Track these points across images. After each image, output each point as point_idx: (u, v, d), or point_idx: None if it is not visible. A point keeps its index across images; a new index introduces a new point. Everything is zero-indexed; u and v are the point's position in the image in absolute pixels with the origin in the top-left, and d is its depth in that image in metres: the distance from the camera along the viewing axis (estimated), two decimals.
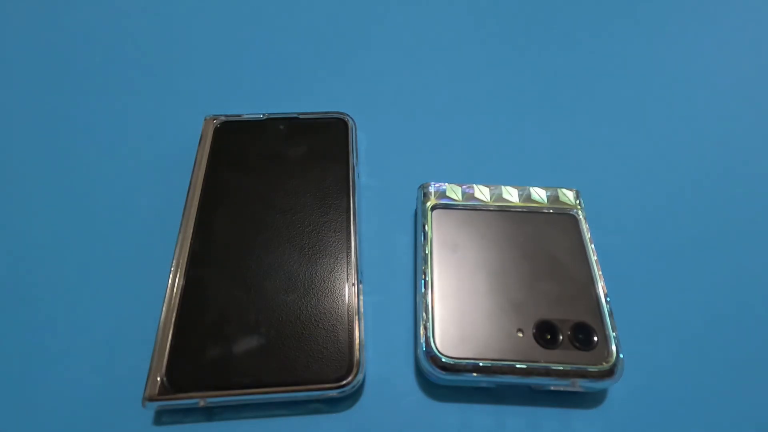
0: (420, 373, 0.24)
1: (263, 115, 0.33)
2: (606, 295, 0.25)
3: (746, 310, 0.27)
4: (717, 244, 0.30)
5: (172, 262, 0.26)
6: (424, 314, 0.24)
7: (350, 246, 0.27)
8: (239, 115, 0.33)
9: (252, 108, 0.36)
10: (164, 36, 0.41)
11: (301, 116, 0.33)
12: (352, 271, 0.26)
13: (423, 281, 0.25)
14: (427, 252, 0.26)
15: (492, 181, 0.32)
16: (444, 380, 0.23)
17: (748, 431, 0.23)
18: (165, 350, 0.23)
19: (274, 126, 0.32)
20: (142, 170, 0.32)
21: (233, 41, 0.41)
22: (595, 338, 0.23)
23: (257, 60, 0.40)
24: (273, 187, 0.29)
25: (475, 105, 0.37)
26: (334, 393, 0.22)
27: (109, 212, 0.30)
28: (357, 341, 0.23)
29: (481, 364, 0.22)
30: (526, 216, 0.28)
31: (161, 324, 0.24)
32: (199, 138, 0.31)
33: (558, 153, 0.34)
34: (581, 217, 0.28)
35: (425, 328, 0.24)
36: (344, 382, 0.22)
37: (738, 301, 0.27)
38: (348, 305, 0.25)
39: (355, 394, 0.24)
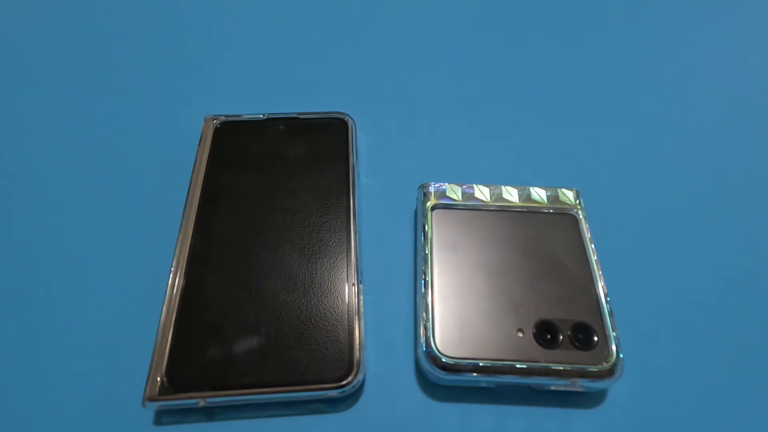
0: (420, 373, 0.24)
1: (263, 115, 0.33)
2: (606, 295, 0.25)
3: (746, 309, 0.27)
4: (717, 244, 0.30)
5: (172, 262, 0.26)
6: (424, 314, 0.24)
7: (350, 246, 0.27)
8: (239, 115, 0.33)
9: (252, 108, 0.36)
10: (164, 36, 0.41)
11: (301, 116, 0.33)
12: (352, 271, 0.26)
13: (423, 281, 0.25)
14: (427, 252, 0.26)
15: (492, 181, 0.32)
16: (444, 380, 0.23)
17: (748, 430, 0.23)
18: (165, 350, 0.23)
19: (274, 126, 0.32)
20: (142, 170, 0.32)
21: (233, 41, 0.41)
22: (595, 338, 0.23)
23: (257, 60, 0.40)
24: (273, 187, 0.29)
25: (475, 105, 0.37)
26: (334, 393, 0.22)
27: (109, 212, 0.30)
28: (357, 341, 0.23)
29: (481, 364, 0.22)
30: (526, 216, 0.28)
31: (161, 324, 0.24)
32: (199, 138, 0.32)
33: (558, 153, 0.34)
34: (581, 217, 0.28)
35: (425, 328, 0.24)
36: (344, 382, 0.22)
37: (738, 300, 0.27)
38: (348, 305, 0.25)
39: (355, 394, 0.24)
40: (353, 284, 0.25)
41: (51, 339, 0.25)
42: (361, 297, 0.25)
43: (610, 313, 0.24)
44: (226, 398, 0.22)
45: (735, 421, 0.24)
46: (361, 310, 0.25)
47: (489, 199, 0.28)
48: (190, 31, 0.42)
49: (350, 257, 0.26)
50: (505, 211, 0.28)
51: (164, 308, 0.24)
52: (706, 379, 0.25)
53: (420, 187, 0.29)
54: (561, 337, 0.23)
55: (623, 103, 0.37)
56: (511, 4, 0.45)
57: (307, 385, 0.22)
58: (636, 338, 0.26)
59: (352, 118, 0.33)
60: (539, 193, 0.29)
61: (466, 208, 0.28)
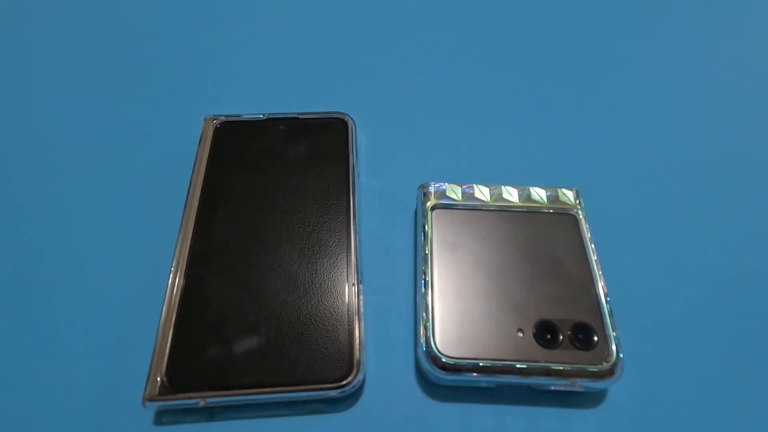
0: (420, 373, 0.24)
1: (263, 115, 0.33)
2: (606, 295, 0.25)
3: (746, 309, 0.27)
4: (717, 244, 0.30)
5: (172, 262, 0.26)
6: (424, 314, 0.24)
7: (350, 246, 0.27)
8: (239, 115, 0.33)
9: (252, 108, 0.36)
10: (164, 36, 0.41)
11: (301, 116, 0.33)
12: (352, 271, 0.26)
13: (423, 281, 0.25)
14: (427, 252, 0.26)
15: (492, 181, 0.32)
16: (444, 380, 0.23)
17: (748, 431, 0.23)
18: (165, 350, 0.23)
19: (274, 126, 0.32)
20: (142, 170, 0.32)
21: (233, 41, 0.41)
22: (595, 338, 0.23)
23: (257, 60, 0.40)
24: (273, 187, 0.29)
25: (475, 105, 0.37)
26: (334, 393, 0.22)
27: (110, 212, 0.30)
28: (357, 341, 0.23)
29: (481, 364, 0.22)
30: (526, 216, 0.28)
31: (161, 324, 0.24)
32: (199, 138, 0.32)
33: (558, 153, 0.34)
34: (581, 217, 0.28)
35: (425, 328, 0.24)
36: (344, 382, 0.22)
37: (738, 300, 0.27)
38: (348, 305, 0.25)
39: (355, 394, 0.24)
40: (353, 284, 0.25)
41: (51, 339, 0.25)
42: (361, 297, 0.25)
43: (610, 313, 0.24)
44: (226, 398, 0.22)
45: (735, 421, 0.24)
46: (361, 310, 0.25)
47: (489, 199, 0.28)
48: (191, 31, 0.42)
49: (350, 257, 0.26)
50: (505, 211, 0.28)
51: (164, 308, 0.24)
52: (706, 378, 0.25)
53: (420, 187, 0.29)
54: (561, 337, 0.23)
55: (623, 103, 0.37)
56: (511, 4, 0.45)
57: (307, 385, 0.22)
58: (636, 338, 0.26)
59: (352, 118, 0.33)
60: (539, 193, 0.29)
61: (466, 208, 0.28)
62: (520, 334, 0.23)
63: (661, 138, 0.35)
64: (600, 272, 0.25)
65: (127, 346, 0.25)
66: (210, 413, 0.23)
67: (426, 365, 0.23)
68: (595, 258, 0.26)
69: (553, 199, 0.28)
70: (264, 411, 0.23)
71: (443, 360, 0.22)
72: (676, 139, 0.35)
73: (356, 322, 0.24)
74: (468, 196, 0.28)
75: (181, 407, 0.22)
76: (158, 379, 0.22)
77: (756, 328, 0.26)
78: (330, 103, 0.36)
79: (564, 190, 0.29)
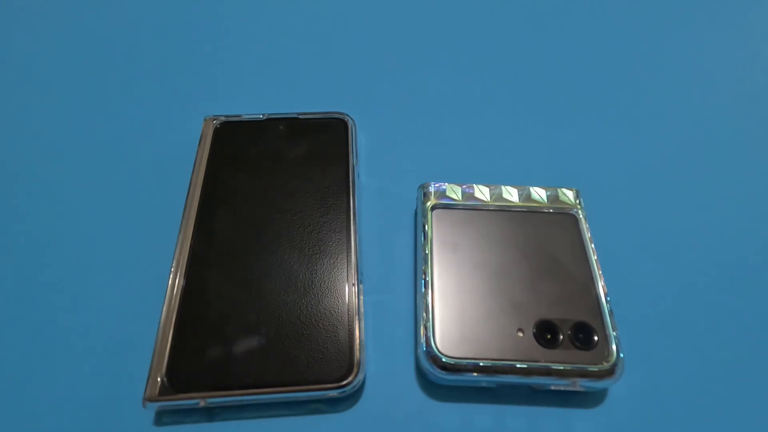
0: (420, 373, 0.24)
1: (263, 115, 0.33)
2: (606, 295, 0.25)
3: (746, 309, 0.27)
4: (717, 243, 0.30)
5: (172, 263, 0.26)
6: (424, 314, 0.24)
7: (350, 246, 0.27)
8: (239, 116, 0.33)
9: (252, 108, 0.36)
10: (164, 36, 0.41)
11: (300, 116, 0.33)
12: (352, 271, 0.26)
13: (423, 281, 0.25)
14: (427, 252, 0.26)
15: (492, 181, 0.32)
16: (444, 380, 0.23)
17: (748, 430, 0.23)
18: (165, 350, 0.23)
19: (274, 126, 0.32)
20: (142, 170, 0.32)
21: (233, 41, 0.41)
22: (596, 338, 0.23)
23: (257, 60, 0.40)
24: (273, 187, 0.29)
25: (475, 105, 0.37)
26: (334, 393, 0.22)
27: (110, 212, 0.30)
28: (357, 341, 0.23)
29: (481, 364, 0.22)
30: (526, 216, 0.28)
31: (161, 324, 0.24)
32: (199, 138, 0.32)
33: (558, 153, 0.34)
34: (581, 217, 0.28)
35: (425, 327, 0.24)
36: (344, 382, 0.22)
37: (738, 299, 0.27)
38: (348, 305, 0.25)
39: (356, 394, 0.24)
40: (353, 284, 0.25)
41: (51, 339, 0.25)
42: (361, 297, 0.25)
43: (610, 313, 0.24)
44: (227, 398, 0.22)
45: (736, 420, 0.24)
46: (361, 310, 0.25)
47: (489, 199, 0.28)
48: (191, 31, 0.42)
49: (350, 257, 0.26)
50: (505, 211, 0.28)
51: (164, 308, 0.24)
52: (706, 378, 0.25)
53: (420, 187, 0.29)
54: (561, 337, 0.23)
55: (623, 103, 0.37)
56: (510, 4, 0.45)
57: (307, 385, 0.22)
58: (636, 338, 0.26)
59: (352, 118, 0.33)
60: (539, 193, 0.29)
61: (466, 208, 0.28)
62: (520, 334, 0.23)
63: (661, 138, 0.35)
64: (600, 272, 0.25)
65: (127, 346, 0.25)
66: (210, 413, 0.23)
67: (426, 365, 0.23)
68: (595, 258, 0.26)
69: (553, 198, 0.28)
70: (264, 411, 0.23)
71: (443, 360, 0.22)
72: (676, 138, 0.35)
73: (356, 322, 0.24)
74: (468, 196, 0.28)
75: (181, 407, 0.22)
76: (158, 379, 0.22)
77: (756, 328, 0.26)
78: (330, 103, 0.36)
79: (564, 190, 0.29)
